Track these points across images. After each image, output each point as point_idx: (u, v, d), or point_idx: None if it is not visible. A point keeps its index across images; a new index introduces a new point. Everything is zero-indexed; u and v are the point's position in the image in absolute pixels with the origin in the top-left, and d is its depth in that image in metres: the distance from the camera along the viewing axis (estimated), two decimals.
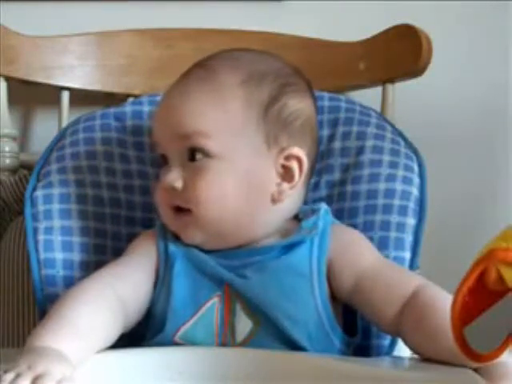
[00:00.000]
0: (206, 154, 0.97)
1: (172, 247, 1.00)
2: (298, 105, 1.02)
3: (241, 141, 0.98)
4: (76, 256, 1.07)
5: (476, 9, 1.48)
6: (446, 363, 0.85)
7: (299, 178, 1.00)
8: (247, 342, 0.94)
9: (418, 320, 0.90)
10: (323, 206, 1.04)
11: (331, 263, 0.98)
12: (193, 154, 0.97)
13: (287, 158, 0.99)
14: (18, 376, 0.76)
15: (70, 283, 1.05)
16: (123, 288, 0.95)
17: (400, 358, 1.01)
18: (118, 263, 1.00)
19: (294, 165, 1.00)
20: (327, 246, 0.99)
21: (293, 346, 0.93)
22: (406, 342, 0.94)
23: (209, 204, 0.97)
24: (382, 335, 1.03)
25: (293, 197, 1.01)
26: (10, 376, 0.76)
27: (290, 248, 0.98)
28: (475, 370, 0.83)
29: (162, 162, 1.01)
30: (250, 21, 1.41)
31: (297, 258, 0.98)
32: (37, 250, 1.06)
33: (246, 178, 0.98)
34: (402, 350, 1.06)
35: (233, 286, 0.96)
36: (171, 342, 0.94)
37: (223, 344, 0.94)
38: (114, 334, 0.91)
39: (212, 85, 0.99)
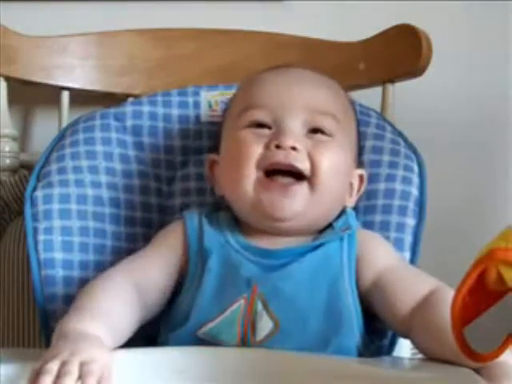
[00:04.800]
0: (327, 134, 1.02)
1: (208, 239, 1.01)
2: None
3: (348, 141, 1.05)
4: (76, 256, 1.07)
5: (476, 9, 1.48)
6: (449, 363, 0.85)
7: (356, 196, 1.08)
8: (267, 341, 0.94)
9: (426, 321, 0.91)
10: (348, 209, 1.06)
11: (357, 259, 1.00)
12: (314, 129, 1.02)
13: (355, 176, 1.07)
14: (63, 364, 0.76)
15: (69, 283, 1.05)
16: (144, 282, 0.97)
17: (400, 358, 1.01)
18: (142, 256, 1.02)
19: (356, 183, 1.07)
20: (355, 244, 1.01)
21: (315, 343, 0.94)
22: (415, 343, 0.95)
23: (328, 174, 1.00)
24: (382, 335, 1.03)
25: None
26: (55, 365, 0.76)
27: (323, 246, 1.00)
28: (475, 369, 0.83)
29: (254, 125, 1.02)
30: (250, 21, 1.41)
31: (329, 252, 1.00)
32: (37, 250, 1.06)
33: (346, 171, 1.04)
34: (402, 350, 1.06)
35: (261, 286, 0.96)
36: (193, 337, 0.95)
37: (243, 342, 0.94)
38: (135, 328, 0.94)
39: (336, 87, 1.08)
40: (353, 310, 0.97)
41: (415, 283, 0.97)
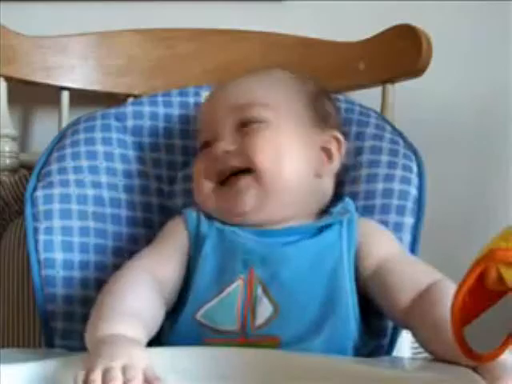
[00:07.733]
0: (259, 121, 1.03)
1: (204, 226, 1.02)
2: (333, 108, 1.13)
3: (290, 115, 1.05)
4: (76, 256, 1.07)
5: (476, 8, 1.48)
6: (447, 362, 0.85)
7: (338, 158, 1.08)
8: (266, 326, 0.95)
9: (425, 313, 0.91)
10: (347, 198, 1.08)
11: (358, 246, 1.01)
12: (245, 123, 1.04)
13: (329, 140, 1.07)
14: (106, 371, 0.76)
15: (70, 283, 1.05)
16: (161, 278, 0.98)
17: (400, 358, 1.01)
18: (153, 250, 1.03)
19: (334, 146, 1.07)
20: (355, 230, 1.02)
21: (310, 328, 0.94)
22: (413, 334, 0.95)
23: (266, 157, 1.01)
24: (381, 335, 1.03)
25: (329, 178, 1.08)
26: (97, 374, 0.76)
27: (322, 229, 1.01)
28: (475, 369, 0.83)
29: (203, 147, 1.06)
30: (250, 21, 1.41)
31: (329, 239, 1.01)
32: (37, 250, 1.06)
33: (295, 147, 1.04)
34: (402, 350, 1.06)
35: (259, 269, 0.97)
36: (192, 320, 0.96)
37: (243, 326, 0.95)
38: (161, 322, 0.94)
39: (266, 74, 1.10)
40: (350, 299, 0.97)
41: (416, 274, 0.97)
